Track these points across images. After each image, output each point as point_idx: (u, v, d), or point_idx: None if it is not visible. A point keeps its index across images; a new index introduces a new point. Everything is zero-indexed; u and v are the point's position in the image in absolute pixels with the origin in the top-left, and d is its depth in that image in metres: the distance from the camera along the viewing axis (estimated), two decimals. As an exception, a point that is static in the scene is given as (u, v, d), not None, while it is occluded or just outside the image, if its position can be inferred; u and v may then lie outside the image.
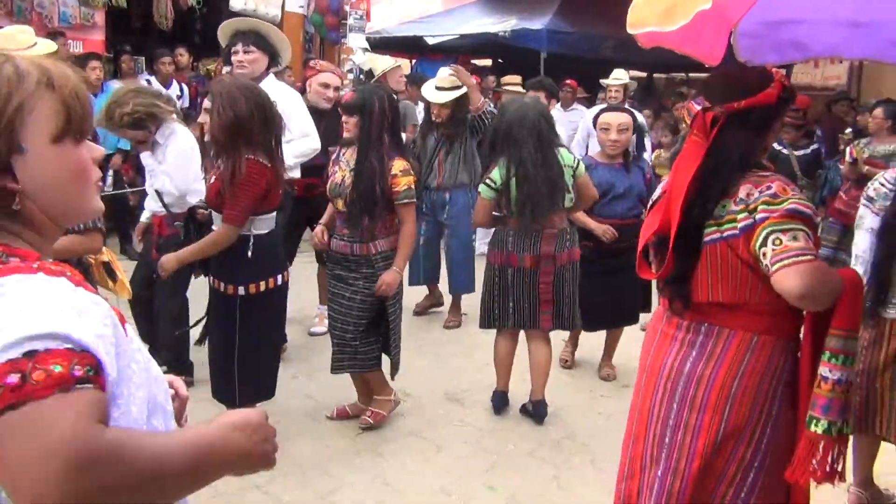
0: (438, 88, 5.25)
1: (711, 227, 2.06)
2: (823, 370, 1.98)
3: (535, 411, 3.92)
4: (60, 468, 0.82)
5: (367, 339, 3.65)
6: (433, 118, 5.32)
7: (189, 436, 1.03)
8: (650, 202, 2.28)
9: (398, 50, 10.46)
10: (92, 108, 1.11)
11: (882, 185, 2.96)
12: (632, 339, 4.05)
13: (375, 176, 3.45)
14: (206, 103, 3.51)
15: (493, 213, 3.83)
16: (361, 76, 8.90)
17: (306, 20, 9.31)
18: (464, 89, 5.20)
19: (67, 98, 1.03)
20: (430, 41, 10.41)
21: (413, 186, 3.59)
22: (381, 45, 10.57)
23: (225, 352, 3.27)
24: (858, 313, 2.03)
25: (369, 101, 3.49)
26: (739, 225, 2.01)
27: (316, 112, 4.81)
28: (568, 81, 8.11)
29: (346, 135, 3.58)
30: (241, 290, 3.20)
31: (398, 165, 3.53)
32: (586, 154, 5.61)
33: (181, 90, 7.69)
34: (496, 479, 3.37)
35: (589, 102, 8.64)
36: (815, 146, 6.62)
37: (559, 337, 4.46)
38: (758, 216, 1.98)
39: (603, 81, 7.52)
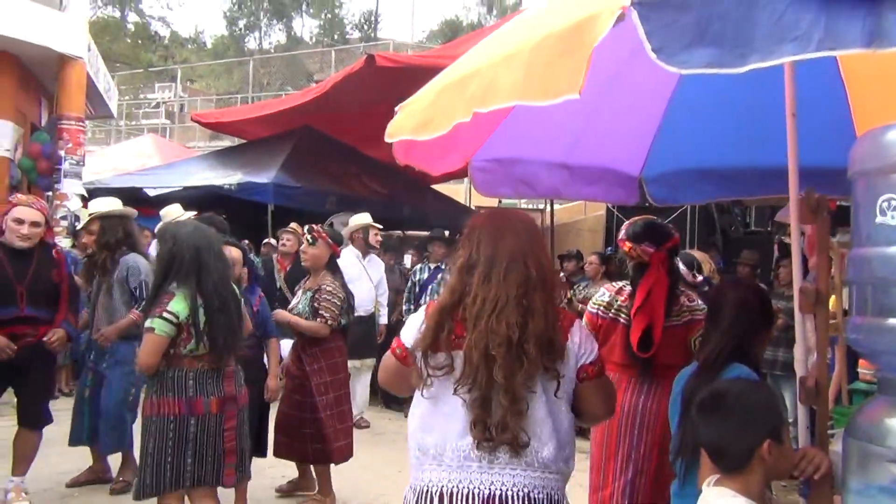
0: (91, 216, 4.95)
1: (670, 318, 3.36)
2: None
3: None
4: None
5: None
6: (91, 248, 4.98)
7: None
8: (633, 311, 3.38)
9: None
10: None
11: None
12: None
13: None
14: None
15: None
16: (76, 224, 8.35)
17: (12, 164, 8.63)
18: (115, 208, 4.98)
19: None
20: (151, 192, 10.05)
21: None
22: (98, 195, 9.98)
23: None
24: None
25: None
26: (683, 319, 3.40)
27: (13, 253, 4.40)
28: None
29: None
30: None
31: None
32: None
33: None
34: None
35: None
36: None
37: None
38: (696, 316, 3.36)
39: (345, 231, 7.81)
